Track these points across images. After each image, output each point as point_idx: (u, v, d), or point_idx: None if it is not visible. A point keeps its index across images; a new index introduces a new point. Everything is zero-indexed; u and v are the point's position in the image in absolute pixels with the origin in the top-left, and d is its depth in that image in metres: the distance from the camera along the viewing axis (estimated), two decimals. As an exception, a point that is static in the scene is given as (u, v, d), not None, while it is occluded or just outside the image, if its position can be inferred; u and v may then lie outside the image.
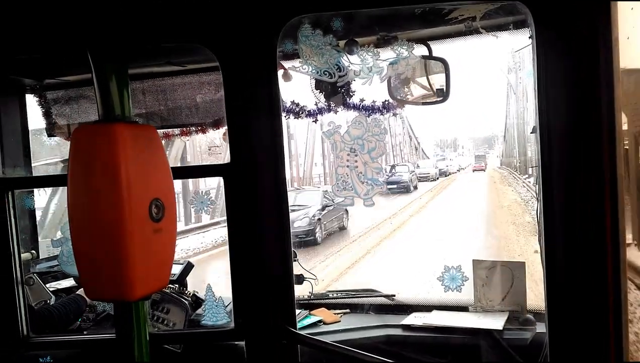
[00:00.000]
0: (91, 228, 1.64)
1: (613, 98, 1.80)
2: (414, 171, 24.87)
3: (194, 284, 3.00)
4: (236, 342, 2.36)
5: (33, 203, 2.89)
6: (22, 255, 2.44)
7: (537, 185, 2.00)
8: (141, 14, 2.05)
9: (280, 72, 2.20)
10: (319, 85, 2.36)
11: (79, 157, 1.66)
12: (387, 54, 2.18)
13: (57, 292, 3.10)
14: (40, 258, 3.25)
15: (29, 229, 3.29)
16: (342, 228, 15.65)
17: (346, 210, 15.76)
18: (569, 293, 1.89)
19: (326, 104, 2.45)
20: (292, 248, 2.22)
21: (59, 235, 2.52)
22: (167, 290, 2.87)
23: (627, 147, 1.93)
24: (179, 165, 9.90)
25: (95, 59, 1.75)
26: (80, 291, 2.87)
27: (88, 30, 1.91)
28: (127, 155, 1.62)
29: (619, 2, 1.79)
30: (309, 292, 3.13)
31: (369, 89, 2.24)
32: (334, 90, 2.32)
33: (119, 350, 1.87)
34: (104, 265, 1.64)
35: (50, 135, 3.38)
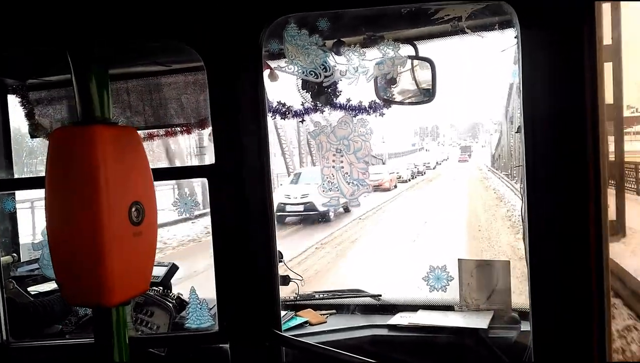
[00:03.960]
0: (69, 231, 1.61)
1: (597, 98, 1.81)
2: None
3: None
4: (220, 345, 2.33)
5: (14, 206, 2.83)
6: (2, 258, 2.39)
7: (521, 185, 2.01)
8: (123, 13, 2.02)
9: (266, 72, 2.18)
10: (306, 85, 2.34)
11: (58, 159, 1.62)
12: (374, 53, 2.17)
13: (37, 296, 3.05)
14: (22, 261, 3.19)
15: (9, 232, 3.23)
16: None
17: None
18: (553, 292, 1.90)
19: (313, 104, 2.44)
20: (277, 249, 2.20)
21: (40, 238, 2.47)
22: (151, 293, 2.83)
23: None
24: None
25: (75, 60, 1.72)
26: None
27: (67, 31, 1.88)
28: (107, 158, 1.59)
29: (602, 3, 1.81)
30: (295, 293, 3.11)
31: (355, 89, 2.23)
32: (321, 90, 2.31)
33: (98, 356, 1.83)
34: (82, 270, 1.61)
35: (33, 136, 3.33)
